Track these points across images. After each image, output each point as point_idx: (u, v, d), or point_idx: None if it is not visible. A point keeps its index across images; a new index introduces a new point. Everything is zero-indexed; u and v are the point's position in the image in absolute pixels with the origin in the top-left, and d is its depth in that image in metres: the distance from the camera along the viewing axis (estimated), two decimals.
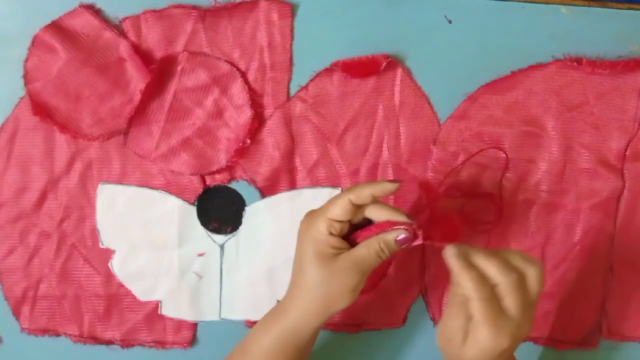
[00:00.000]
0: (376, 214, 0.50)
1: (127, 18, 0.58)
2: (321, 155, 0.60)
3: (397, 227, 0.49)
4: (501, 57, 0.59)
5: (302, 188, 0.60)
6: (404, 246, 0.49)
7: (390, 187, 0.49)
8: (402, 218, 0.49)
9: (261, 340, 0.51)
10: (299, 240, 0.50)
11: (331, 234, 0.49)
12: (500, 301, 0.46)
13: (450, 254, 0.47)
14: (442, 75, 0.59)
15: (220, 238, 0.61)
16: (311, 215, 0.50)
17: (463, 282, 0.46)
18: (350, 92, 0.59)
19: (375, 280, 0.61)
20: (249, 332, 0.54)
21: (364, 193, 0.48)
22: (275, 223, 0.60)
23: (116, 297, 0.61)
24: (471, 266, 0.46)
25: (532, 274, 0.47)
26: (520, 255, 0.48)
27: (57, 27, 0.57)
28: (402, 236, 0.48)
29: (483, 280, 0.46)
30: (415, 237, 0.49)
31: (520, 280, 0.46)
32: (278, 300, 0.60)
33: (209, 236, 0.61)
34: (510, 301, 0.46)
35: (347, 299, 0.49)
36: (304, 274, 0.49)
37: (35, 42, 0.57)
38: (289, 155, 0.60)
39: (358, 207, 0.49)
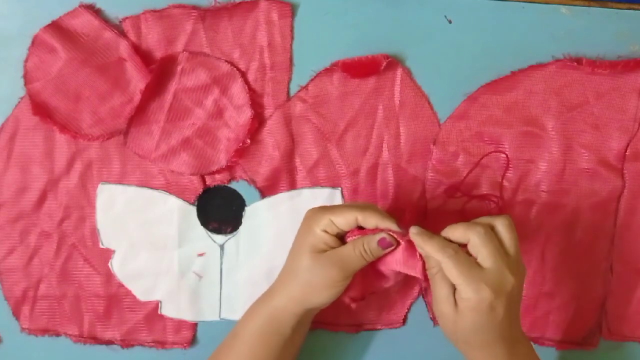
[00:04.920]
0: (369, 221, 0.52)
1: (127, 18, 0.58)
2: (321, 155, 0.60)
3: (381, 231, 0.51)
4: (501, 57, 0.59)
5: (302, 188, 0.60)
6: (386, 250, 0.51)
7: (396, 229, 0.51)
8: (391, 226, 0.51)
9: (247, 323, 0.54)
10: (300, 229, 0.53)
11: (327, 232, 0.52)
12: (475, 258, 0.49)
13: (414, 232, 0.50)
14: (442, 75, 0.59)
15: (220, 238, 0.61)
16: (317, 210, 0.53)
17: (428, 250, 0.49)
18: (350, 92, 0.59)
19: (365, 290, 0.59)
20: (243, 314, 0.56)
21: (370, 221, 0.51)
22: (275, 223, 0.60)
23: (116, 297, 0.61)
24: (434, 235, 0.50)
25: (499, 223, 0.50)
26: (488, 216, 0.51)
27: (57, 27, 0.57)
28: (383, 238, 0.51)
29: (446, 242, 0.49)
30: (397, 243, 0.51)
31: (488, 231, 0.49)
32: None
33: (209, 236, 0.61)
34: (482, 252, 0.48)
35: (326, 295, 0.51)
36: (294, 261, 0.52)
37: (35, 42, 0.57)
38: (289, 155, 0.60)
39: None
